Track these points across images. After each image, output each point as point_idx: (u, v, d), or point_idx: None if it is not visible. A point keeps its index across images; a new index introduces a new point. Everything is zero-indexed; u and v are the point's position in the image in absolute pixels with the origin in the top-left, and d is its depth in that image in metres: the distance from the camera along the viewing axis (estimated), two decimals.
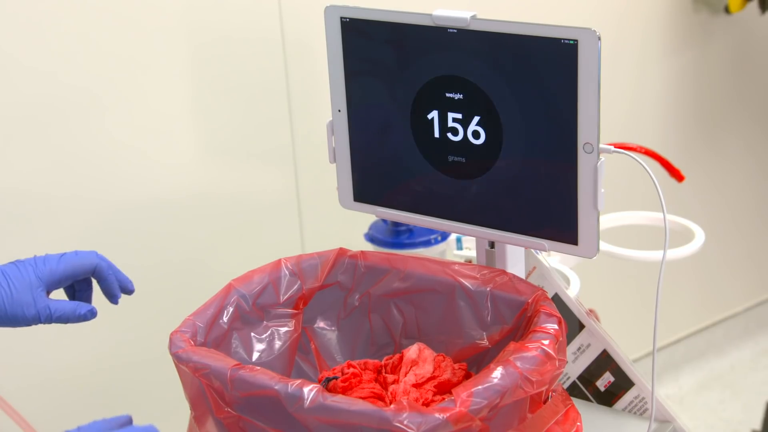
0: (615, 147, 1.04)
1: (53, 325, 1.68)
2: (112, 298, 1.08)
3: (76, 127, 1.59)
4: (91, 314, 1.05)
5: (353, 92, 1.15)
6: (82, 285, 1.09)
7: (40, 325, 1.67)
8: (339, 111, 1.17)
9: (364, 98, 1.14)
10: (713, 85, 2.53)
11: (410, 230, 1.56)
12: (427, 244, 1.55)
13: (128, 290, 1.09)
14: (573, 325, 1.24)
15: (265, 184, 1.81)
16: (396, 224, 1.55)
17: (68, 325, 1.68)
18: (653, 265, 1.26)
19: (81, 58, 1.59)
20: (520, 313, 1.05)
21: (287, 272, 1.13)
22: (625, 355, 1.24)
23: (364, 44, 1.12)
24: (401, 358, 1.08)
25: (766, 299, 2.91)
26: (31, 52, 1.55)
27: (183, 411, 1.05)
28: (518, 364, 0.91)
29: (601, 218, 1.44)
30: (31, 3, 1.53)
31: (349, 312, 1.16)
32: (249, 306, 1.10)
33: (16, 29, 1.53)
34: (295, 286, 1.13)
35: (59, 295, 1.09)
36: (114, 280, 1.07)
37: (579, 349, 1.26)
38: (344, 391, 1.04)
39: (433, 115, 1.11)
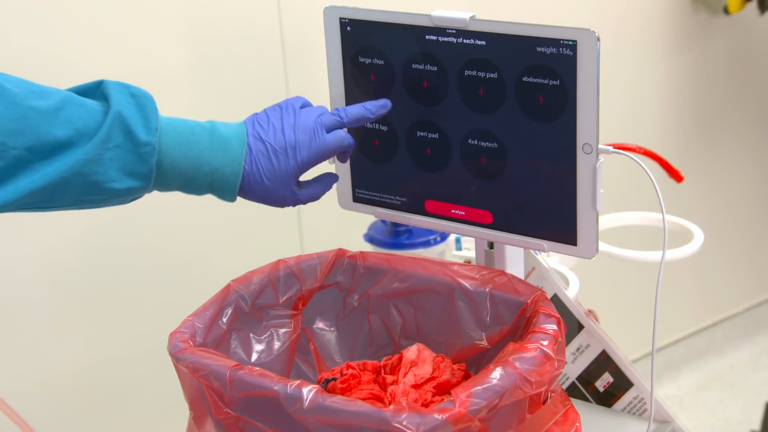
0: (614, 147, 1.04)
1: (52, 325, 1.69)
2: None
3: None
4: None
5: (352, 93, 1.15)
6: None
7: (40, 325, 1.68)
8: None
9: (363, 99, 1.14)
10: (712, 85, 2.53)
11: (409, 231, 1.56)
12: (426, 244, 1.55)
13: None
14: (572, 326, 1.24)
15: None
16: (395, 225, 1.55)
17: (67, 325, 1.68)
18: (652, 266, 1.26)
19: (80, 58, 1.59)
20: (519, 314, 1.05)
21: (286, 273, 1.13)
22: (625, 356, 1.24)
23: (363, 45, 1.12)
24: (400, 359, 1.08)
25: (765, 300, 2.91)
26: (29, 52, 1.55)
27: (182, 411, 1.05)
28: (517, 364, 0.91)
29: (601, 219, 1.44)
30: (30, 1, 1.53)
31: (348, 312, 1.16)
32: (248, 306, 1.10)
33: (15, 29, 1.53)
34: (294, 287, 1.13)
35: None
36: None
37: (578, 349, 1.26)
38: (343, 393, 1.04)
39: (433, 115, 1.11)
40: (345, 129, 1.09)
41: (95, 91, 0.99)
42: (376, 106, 1.10)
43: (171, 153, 0.99)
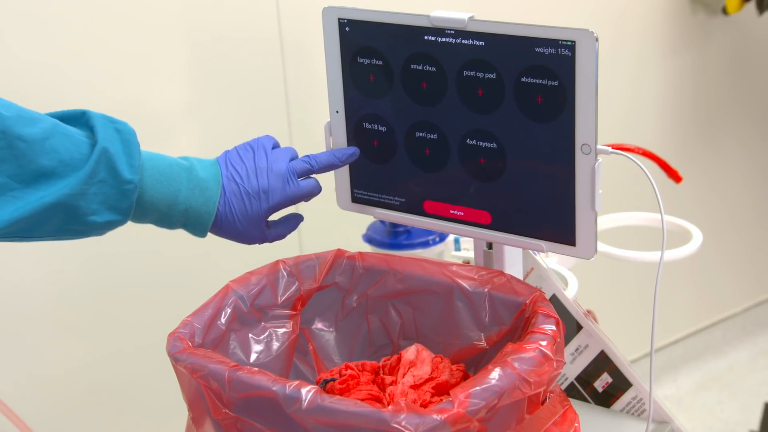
0: (613, 148, 1.04)
1: (51, 325, 1.69)
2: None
3: None
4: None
5: (351, 93, 1.15)
6: None
7: (39, 326, 1.68)
8: (337, 112, 1.17)
9: (362, 99, 1.14)
10: (711, 86, 2.53)
11: (408, 231, 1.56)
12: (425, 245, 1.55)
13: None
14: (571, 326, 1.24)
15: None
16: (394, 225, 1.55)
17: (66, 325, 1.68)
18: (651, 266, 1.26)
19: (78, 58, 1.59)
20: (518, 314, 1.05)
21: (285, 273, 1.13)
22: (623, 356, 1.24)
23: (362, 45, 1.12)
24: (399, 360, 1.08)
25: (764, 300, 2.91)
26: (27, 55, 1.55)
27: (181, 412, 1.05)
28: (516, 365, 0.91)
29: (599, 219, 1.44)
30: (30, 1, 1.53)
31: (347, 313, 1.16)
32: (247, 307, 1.10)
33: (12, 31, 1.53)
34: (293, 287, 1.13)
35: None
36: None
37: (577, 350, 1.26)
38: (342, 393, 1.04)
39: (431, 116, 1.11)
40: (314, 176, 1.12)
41: (79, 119, 1.00)
42: (345, 155, 1.15)
43: (150, 191, 1.02)
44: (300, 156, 1.12)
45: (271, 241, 1.12)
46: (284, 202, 1.08)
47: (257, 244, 1.11)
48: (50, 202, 0.94)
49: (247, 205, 1.06)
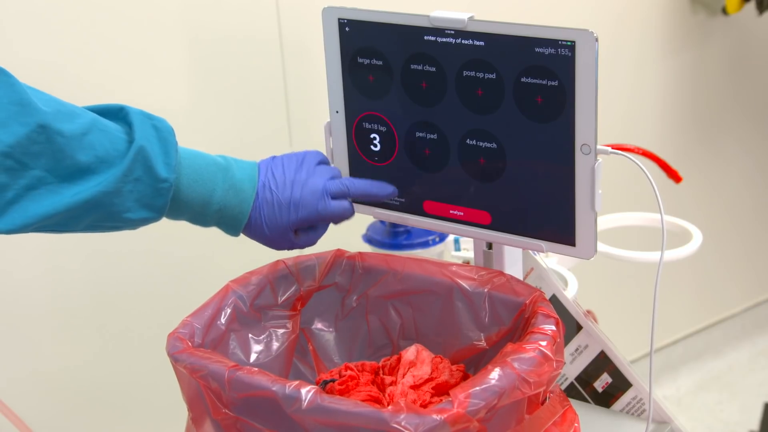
0: (612, 148, 1.04)
1: (51, 324, 1.69)
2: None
3: None
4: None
5: (351, 94, 1.15)
6: None
7: (39, 325, 1.68)
8: (337, 112, 1.17)
9: (362, 100, 1.14)
10: (711, 86, 2.53)
11: (408, 231, 1.56)
12: (425, 245, 1.55)
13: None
14: (571, 326, 1.24)
15: None
16: (393, 225, 1.55)
17: (66, 325, 1.68)
18: (651, 266, 1.26)
19: (78, 57, 1.59)
20: (517, 315, 1.05)
21: (285, 273, 1.13)
22: (623, 356, 1.24)
23: (362, 45, 1.12)
24: (399, 360, 1.08)
25: (764, 300, 2.91)
26: (27, 54, 1.55)
27: (180, 412, 1.05)
28: (516, 365, 0.91)
29: (599, 219, 1.44)
30: (28, 2, 1.53)
31: (346, 313, 1.16)
32: (246, 307, 1.10)
33: (14, 30, 1.53)
34: (293, 288, 1.13)
35: None
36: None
37: (577, 350, 1.26)
38: (341, 395, 1.04)
39: (431, 116, 1.11)
40: (349, 199, 1.13)
41: (117, 114, 1.00)
42: (383, 190, 1.14)
43: (186, 189, 1.03)
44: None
45: (302, 247, 1.13)
46: (312, 218, 1.08)
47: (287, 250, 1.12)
48: (85, 198, 0.94)
49: (276, 213, 1.07)
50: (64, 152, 0.93)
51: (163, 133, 1.00)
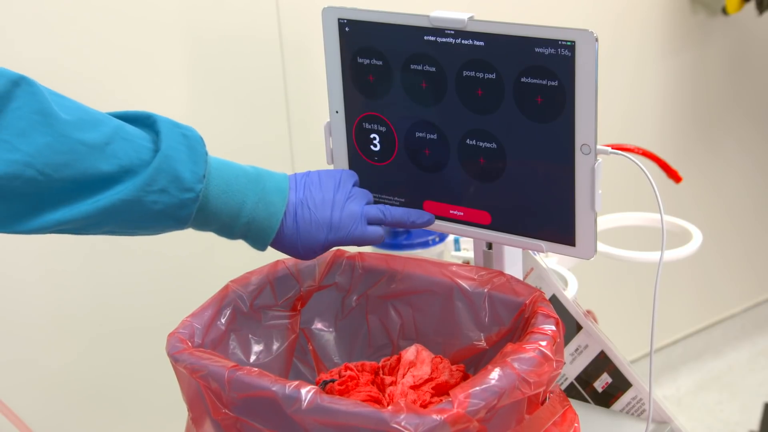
0: (612, 148, 1.04)
1: (50, 324, 1.69)
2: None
3: None
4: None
5: (351, 94, 1.15)
6: None
7: (37, 326, 1.68)
8: (336, 112, 1.17)
9: (362, 100, 1.14)
10: (711, 86, 2.53)
11: (408, 231, 1.56)
12: (425, 245, 1.55)
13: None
14: (570, 327, 1.24)
15: None
16: None
17: (65, 325, 1.68)
18: (651, 266, 1.26)
19: (78, 56, 1.59)
20: (517, 315, 1.05)
21: (285, 273, 1.13)
22: (623, 356, 1.24)
23: (362, 45, 1.12)
24: (399, 360, 1.08)
25: (764, 300, 2.91)
26: (27, 53, 1.55)
27: (180, 412, 1.05)
28: (516, 365, 0.91)
29: (599, 219, 1.44)
30: (28, 2, 1.53)
31: (346, 313, 1.16)
32: (246, 307, 1.10)
33: (13, 30, 1.54)
34: (293, 288, 1.13)
35: None
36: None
37: (576, 350, 1.26)
38: (341, 395, 1.04)
39: (431, 116, 1.11)
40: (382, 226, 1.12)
41: (143, 121, 0.99)
42: (420, 218, 1.14)
43: (214, 200, 1.01)
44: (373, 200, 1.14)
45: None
46: (346, 240, 1.07)
47: None
48: (104, 205, 0.93)
49: (313, 232, 1.05)
50: (86, 161, 0.91)
51: (191, 141, 0.98)
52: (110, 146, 0.93)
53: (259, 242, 1.05)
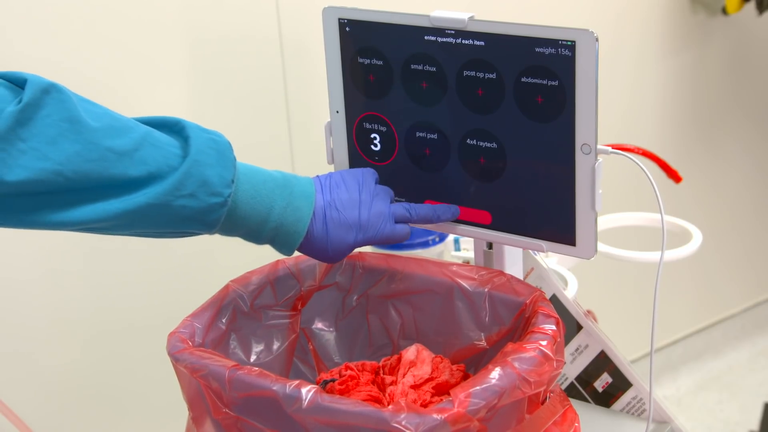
0: (612, 148, 1.04)
1: (50, 324, 1.68)
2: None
3: None
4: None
5: (351, 94, 1.15)
6: None
7: (37, 325, 1.68)
8: (337, 112, 1.17)
9: (362, 100, 1.14)
10: (711, 86, 2.53)
11: None
12: (425, 245, 1.55)
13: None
14: (571, 326, 1.24)
15: None
16: None
17: (65, 325, 1.68)
18: (651, 266, 1.26)
19: (78, 56, 1.59)
20: (518, 314, 1.05)
21: (285, 273, 1.13)
22: (623, 356, 1.24)
23: (362, 45, 1.12)
24: (399, 359, 1.08)
25: (764, 300, 2.91)
26: (27, 52, 1.55)
27: (180, 412, 1.05)
28: (516, 364, 0.91)
29: (599, 219, 1.44)
30: (28, 2, 1.53)
31: (347, 313, 1.16)
32: (247, 307, 1.10)
33: (12, 29, 1.54)
34: (293, 287, 1.13)
35: None
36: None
37: (577, 350, 1.26)
38: (341, 394, 1.04)
39: (431, 116, 1.11)
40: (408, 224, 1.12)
41: (171, 127, 0.99)
42: (446, 213, 1.13)
43: (243, 206, 1.00)
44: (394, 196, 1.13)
45: None
46: (375, 239, 1.07)
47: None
48: (131, 208, 0.93)
49: (342, 233, 1.05)
50: (115, 168, 0.92)
51: (220, 146, 0.98)
52: (139, 152, 0.93)
53: (286, 247, 1.04)
